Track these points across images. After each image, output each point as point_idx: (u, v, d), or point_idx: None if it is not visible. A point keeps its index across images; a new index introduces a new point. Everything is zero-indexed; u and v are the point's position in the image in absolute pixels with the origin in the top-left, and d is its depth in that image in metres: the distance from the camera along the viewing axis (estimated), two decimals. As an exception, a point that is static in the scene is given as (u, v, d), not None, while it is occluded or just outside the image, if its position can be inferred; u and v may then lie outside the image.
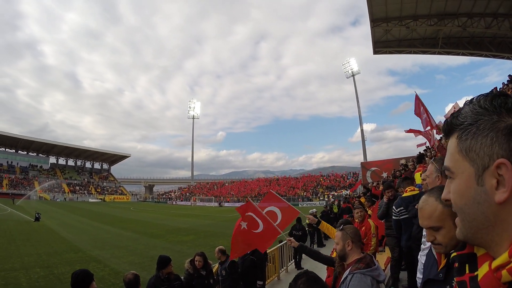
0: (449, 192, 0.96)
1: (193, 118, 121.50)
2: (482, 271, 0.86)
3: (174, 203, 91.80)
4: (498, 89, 23.58)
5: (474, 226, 0.88)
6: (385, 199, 7.52)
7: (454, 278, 0.98)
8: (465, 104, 0.93)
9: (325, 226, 5.87)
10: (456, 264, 1.01)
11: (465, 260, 0.97)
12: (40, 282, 11.67)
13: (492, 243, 0.85)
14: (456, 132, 0.92)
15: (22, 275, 12.42)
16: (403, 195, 5.98)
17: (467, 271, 0.94)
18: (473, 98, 0.92)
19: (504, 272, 0.77)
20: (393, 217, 5.99)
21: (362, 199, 14.85)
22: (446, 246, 1.73)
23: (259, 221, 6.50)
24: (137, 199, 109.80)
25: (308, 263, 13.28)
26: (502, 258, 0.79)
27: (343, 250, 3.38)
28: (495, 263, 0.81)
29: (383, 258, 6.71)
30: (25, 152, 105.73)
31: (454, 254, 1.06)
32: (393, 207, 6.01)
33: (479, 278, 0.86)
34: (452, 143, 0.94)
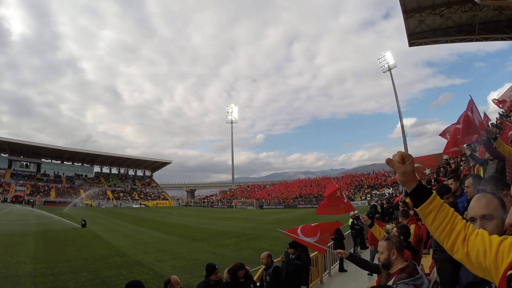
0: None
1: (232, 122, 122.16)
2: None
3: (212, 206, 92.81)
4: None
5: None
6: None
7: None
8: None
9: (377, 230, 5.68)
10: None
11: None
12: (87, 286, 11.97)
13: None
14: None
15: (69, 279, 12.80)
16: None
17: None
18: None
19: None
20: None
21: (408, 199, 14.27)
22: None
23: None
24: (179, 203, 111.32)
25: (352, 265, 12.93)
26: None
27: (387, 259, 3.39)
28: None
29: (427, 261, 6.28)
30: (71, 163, 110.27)
31: (511, 272, 1.11)
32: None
33: None
34: None
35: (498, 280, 1.24)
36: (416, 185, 1.63)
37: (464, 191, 5.08)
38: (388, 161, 1.66)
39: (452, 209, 1.63)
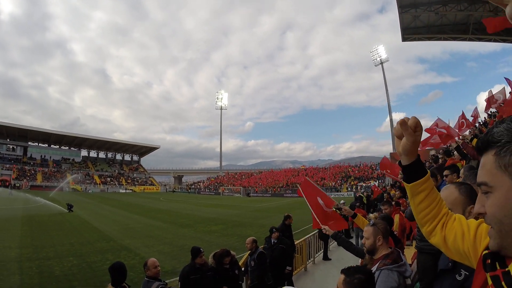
0: (483, 206, 1.08)
1: (221, 109, 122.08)
2: None
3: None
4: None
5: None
6: None
7: (488, 272, 1.08)
8: (496, 123, 1.03)
9: (361, 220, 5.76)
10: (489, 261, 1.10)
11: (495, 257, 1.07)
12: (73, 270, 11.96)
13: None
14: (493, 149, 1.01)
15: (55, 264, 12.78)
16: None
17: (498, 267, 1.04)
18: (503, 119, 1.01)
19: None
20: None
21: (393, 191, 14.42)
22: None
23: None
24: (166, 189, 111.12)
25: (335, 254, 13.19)
26: None
27: (373, 245, 3.42)
28: None
29: (410, 253, 6.44)
30: (58, 146, 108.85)
31: (486, 252, 1.16)
32: None
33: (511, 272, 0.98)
34: (488, 159, 1.04)
35: (477, 261, 1.28)
36: (415, 159, 1.55)
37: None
38: (402, 122, 1.48)
39: (439, 194, 1.62)
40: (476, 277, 1.21)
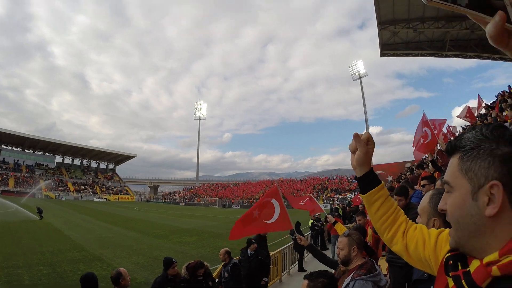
0: (446, 204, 1.15)
1: (200, 119, 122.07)
2: (474, 266, 1.02)
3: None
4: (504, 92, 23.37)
5: (467, 235, 1.07)
6: None
7: (449, 273, 1.13)
8: (469, 129, 1.11)
9: (340, 227, 5.88)
10: (451, 262, 1.16)
11: (458, 259, 1.13)
12: (43, 280, 11.67)
13: (481, 249, 1.03)
14: (459, 153, 1.09)
15: (25, 273, 12.48)
16: None
17: (460, 268, 1.09)
18: (475, 126, 1.08)
19: (494, 267, 0.93)
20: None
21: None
22: None
23: (277, 210, 6.64)
24: (141, 199, 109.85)
25: (311, 265, 13.23)
26: (493, 256, 0.95)
27: (348, 256, 3.45)
28: (487, 259, 0.97)
29: (385, 263, 6.56)
30: (32, 151, 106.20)
31: (448, 254, 1.21)
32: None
33: (471, 271, 1.02)
34: (454, 161, 1.12)
35: (437, 268, 1.33)
36: (368, 170, 1.70)
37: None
38: (356, 136, 1.68)
39: (396, 203, 1.71)
40: (437, 282, 1.26)
